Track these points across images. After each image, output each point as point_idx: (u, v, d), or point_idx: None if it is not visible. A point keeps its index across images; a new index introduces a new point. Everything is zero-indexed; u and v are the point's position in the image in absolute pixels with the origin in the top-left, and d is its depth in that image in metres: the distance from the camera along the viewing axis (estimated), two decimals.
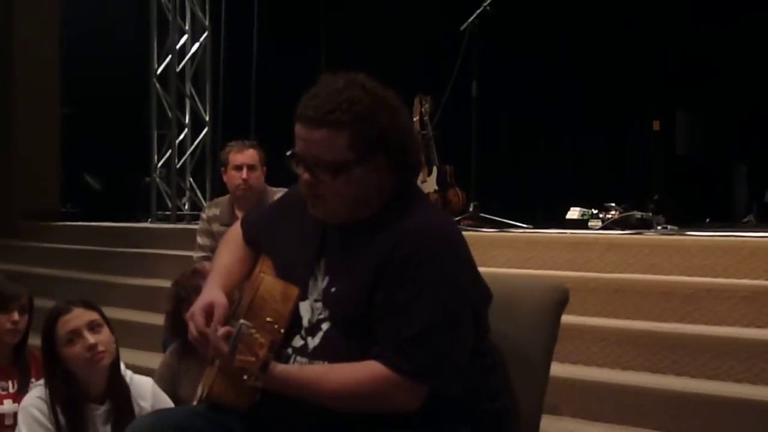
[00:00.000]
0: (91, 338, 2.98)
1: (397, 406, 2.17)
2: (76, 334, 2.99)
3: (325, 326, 2.28)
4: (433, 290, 2.16)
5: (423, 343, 2.14)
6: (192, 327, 2.32)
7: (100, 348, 2.98)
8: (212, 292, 2.38)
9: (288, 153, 2.28)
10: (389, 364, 2.15)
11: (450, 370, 2.18)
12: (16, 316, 3.49)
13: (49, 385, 3.03)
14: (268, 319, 2.23)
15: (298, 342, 2.31)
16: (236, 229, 2.61)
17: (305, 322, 2.31)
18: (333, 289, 2.28)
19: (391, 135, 2.23)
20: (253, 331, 2.13)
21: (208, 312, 2.32)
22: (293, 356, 2.30)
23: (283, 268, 2.39)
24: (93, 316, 3.03)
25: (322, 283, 2.31)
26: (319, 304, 2.30)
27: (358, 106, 2.20)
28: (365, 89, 2.23)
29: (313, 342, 2.28)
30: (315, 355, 2.27)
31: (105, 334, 3.03)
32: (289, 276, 2.35)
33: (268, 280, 2.33)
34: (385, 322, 2.18)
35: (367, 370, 2.16)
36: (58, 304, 3.08)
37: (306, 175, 2.26)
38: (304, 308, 2.32)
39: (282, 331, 2.26)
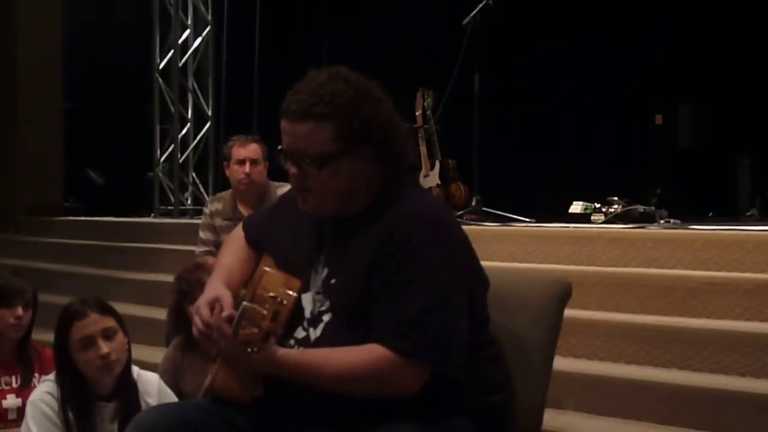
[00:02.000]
0: (104, 347, 2.98)
1: (398, 388, 2.19)
2: (90, 341, 2.98)
3: (326, 317, 2.30)
4: (428, 273, 2.20)
5: (421, 324, 2.17)
6: (197, 320, 2.33)
7: (113, 357, 2.99)
8: (216, 288, 2.39)
9: (278, 148, 2.32)
10: (389, 345, 2.17)
11: (449, 350, 2.20)
12: (20, 311, 3.49)
13: (60, 383, 3.03)
14: (271, 294, 2.25)
15: (300, 333, 2.33)
16: (239, 231, 2.63)
17: (307, 314, 2.33)
18: (333, 281, 2.31)
19: (374, 126, 2.26)
20: (255, 306, 2.15)
21: (213, 306, 2.33)
22: (295, 347, 2.31)
23: (284, 264, 2.40)
24: (108, 322, 3.02)
25: (322, 275, 2.33)
26: (320, 296, 2.32)
27: (340, 98, 2.23)
28: (347, 81, 2.26)
29: (315, 333, 2.30)
30: (317, 345, 2.29)
31: (118, 340, 3.03)
32: (291, 272, 2.37)
33: (270, 273, 2.35)
34: (383, 306, 2.21)
35: (369, 352, 2.19)
36: (74, 304, 3.06)
37: (293, 170, 2.30)
38: (306, 300, 2.34)
39: (285, 303, 2.26)
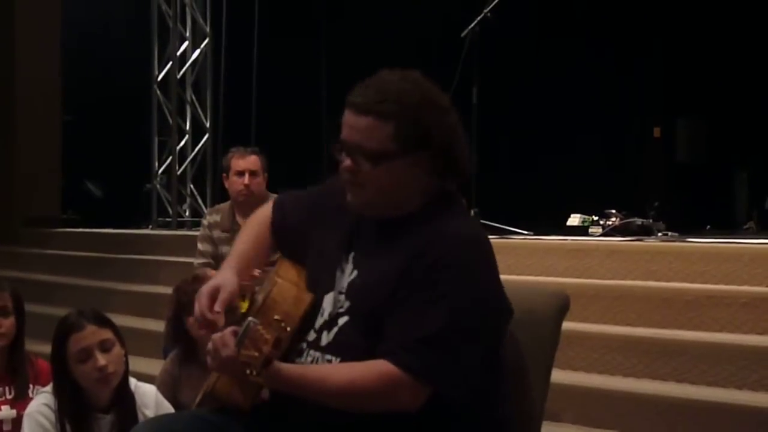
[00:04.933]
0: (101, 359, 2.96)
1: (397, 405, 2.16)
2: (87, 354, 2.97)
3: (341, 321, 2.27)
4: (454, 297, 2.16)
5: (434, 345, 2.14)
6: (196, 306, 2.32)
7: (110, 369, 2.97)
8: (223, 275, 2.38)
9: (336, 141, 2.29)
10: (398, 362, 2.14)
11: (457, 376, 2.17)
12: None
13: (57, 395, 3.02)
14: (276, 317, 2.23)
15: (311, 336, 2.31)
16: (264, 212, 2.56)
17: (325, 315, 2.31)
18: (358, 281, 2.28)
19: (436, 134, 2.23)
20: (259, 327, 2.12)
21: (214, 295, 2.32)
22: (307, 350, 2.30)
23: (316, 256, 2.38)
24: (105, 334, 3.01)
25: (350, 276, 2.31)
26: (342, 297, 2.30)
27: (407, 100, 2.22)
28: (418, 84, 2.27)
29: (328, 337, 2.28)
30: (327, 349, 2.27)
31: (116, 352, 3.01)
32: (320, 266, 2.35)
33: (282, 284, 2.33)
34: (400, 320, 2.17)
35: (374, 367, 2.16)
36: (71, 316, 3.04)
37: (348, 162, 2.27)
38: (327, 301, 2.32)
39: (288, 329, 2.25)
